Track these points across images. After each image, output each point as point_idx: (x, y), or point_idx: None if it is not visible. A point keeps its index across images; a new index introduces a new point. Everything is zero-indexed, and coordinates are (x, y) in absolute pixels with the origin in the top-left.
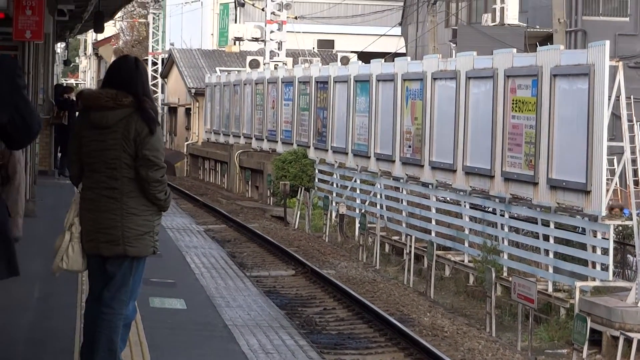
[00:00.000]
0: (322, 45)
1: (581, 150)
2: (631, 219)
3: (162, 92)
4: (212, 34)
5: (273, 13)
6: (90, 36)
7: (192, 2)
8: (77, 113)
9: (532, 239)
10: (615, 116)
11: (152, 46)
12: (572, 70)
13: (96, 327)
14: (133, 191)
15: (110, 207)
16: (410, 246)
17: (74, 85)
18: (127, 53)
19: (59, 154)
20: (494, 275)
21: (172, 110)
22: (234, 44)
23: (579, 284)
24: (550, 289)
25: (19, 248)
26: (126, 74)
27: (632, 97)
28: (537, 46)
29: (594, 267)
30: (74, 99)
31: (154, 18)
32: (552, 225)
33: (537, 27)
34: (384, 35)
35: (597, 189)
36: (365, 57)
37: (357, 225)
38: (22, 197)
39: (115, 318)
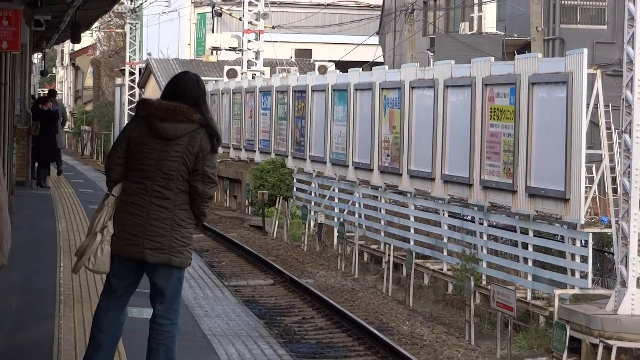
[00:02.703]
0: (300, 55)
1: (560, 158)
2: (610, 227)
3: None
4: (189, 44)
5: (250, 23)
6: (67, 46)
7: (169, 12)
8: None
9: (511, 247)
10: (594, 124)
11: (129, 56)
12: (550, 79)
13: (153, 338)
14: (184, 203)
15: (161, 216)
16: (389, 255)
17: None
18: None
19: (36, 164)
20: (472, 283)
21: None
22: (212, 53)
23: (558, 291)
24: (529, 297)
25: None
26: (191, 90)
27: (610, 104)
28: (515, 54)
29: (573, 274)
30: (47, 109)
31: (131, 28)
32: (530, 233)
33: (515, 35)
34: (361, 44)
35: (575, 197)
36: (343, 66)
37: (336, 234)
38: (7, 220)
39: (173, 328)
